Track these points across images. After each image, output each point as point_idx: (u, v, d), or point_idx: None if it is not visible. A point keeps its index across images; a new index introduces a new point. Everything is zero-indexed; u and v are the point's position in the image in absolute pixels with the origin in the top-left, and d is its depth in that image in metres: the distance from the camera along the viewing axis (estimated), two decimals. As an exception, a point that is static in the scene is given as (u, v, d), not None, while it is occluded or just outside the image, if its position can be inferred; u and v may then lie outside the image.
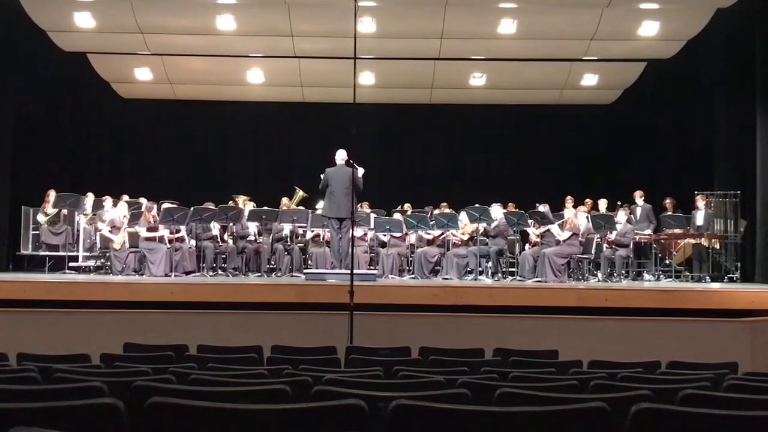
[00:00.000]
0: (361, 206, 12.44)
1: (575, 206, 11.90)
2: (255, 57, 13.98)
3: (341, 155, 10.28)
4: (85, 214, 12.49)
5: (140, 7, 12.01)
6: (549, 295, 9.27)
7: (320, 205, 12.48)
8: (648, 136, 15.09)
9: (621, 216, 11.84)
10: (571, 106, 15.14)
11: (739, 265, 11.89)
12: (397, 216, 12.21)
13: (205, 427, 2.65)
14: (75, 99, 15.24)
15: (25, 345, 5.53)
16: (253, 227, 12.12)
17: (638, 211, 12.60)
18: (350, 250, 8.41)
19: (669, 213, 12.30)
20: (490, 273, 11.36)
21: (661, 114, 14.81)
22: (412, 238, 12.24)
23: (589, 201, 12.67)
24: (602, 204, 12.78)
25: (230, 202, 12.57)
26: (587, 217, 11.62)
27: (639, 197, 12.75)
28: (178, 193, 13.75)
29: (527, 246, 11.85)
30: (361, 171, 10.00)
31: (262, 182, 15.46)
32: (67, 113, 15.02)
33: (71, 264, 11.85)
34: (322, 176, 10.29)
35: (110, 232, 11.28)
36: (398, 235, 11.94)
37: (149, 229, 11.08)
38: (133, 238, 11.26)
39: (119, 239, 11.21)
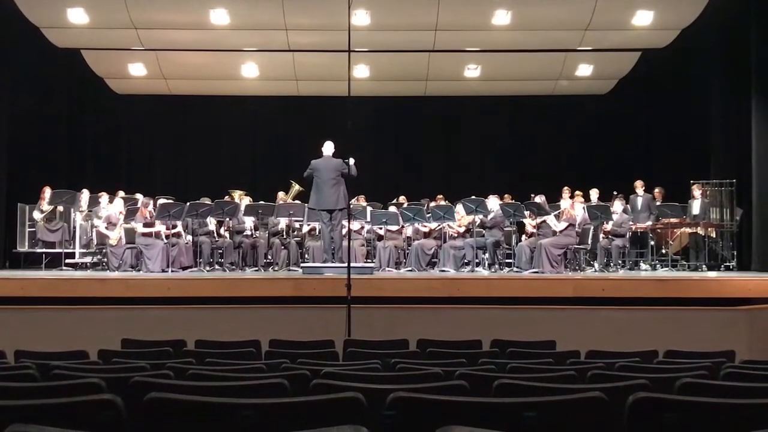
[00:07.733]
0: (357, 199, 12.44)
1: (571, 197, 11.89)
2: (249, 51, 13.93)
3: (329, 147, 10.37)
4: (81, 211, 12.45)
5: (133, 2, 11.96)
6: (546, 285, 9.29)
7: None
8: (643, 125, 15.09)
9: (617, 206, 11.83)
10: (566, 96, 15.11)
11: (735, 253, 11.91)
12: (393, 209, 12.20)
13: (204, 422, 2.66)
14: (69, 95, 15.17)
15: (23, 342, 5.53)
16: (249, 222, 12.11)
17: (639, 201, 12.51)
18: (345, 243, 8.40)
19: (658, 203, 12.29)
20: (487, 264, 11.37)
21: (656, 103, 14.80)
22: (408, 230, 12.22)
23: (579, 194, 12.47)
24: (594, 194, 12.69)
25: (226, 197, 12.56)
26: (584, 208, 11.62)
27: (640, 187, 12.63)
28: (174, 188, 13.73)
29: (524, 237, 11.86)
30: (351, 160, 9.96)
31: (258, 177, 15.45)
32: (61, 109, 14.94)
33: (68, 261, 11.82)
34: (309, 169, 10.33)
35: (106, 228, 11.26)
36: (395, 228, 11.94)
37: (145, 225, 11.07)
38: (130, 234, 11.25)
39: (115, 235, 11.20)
